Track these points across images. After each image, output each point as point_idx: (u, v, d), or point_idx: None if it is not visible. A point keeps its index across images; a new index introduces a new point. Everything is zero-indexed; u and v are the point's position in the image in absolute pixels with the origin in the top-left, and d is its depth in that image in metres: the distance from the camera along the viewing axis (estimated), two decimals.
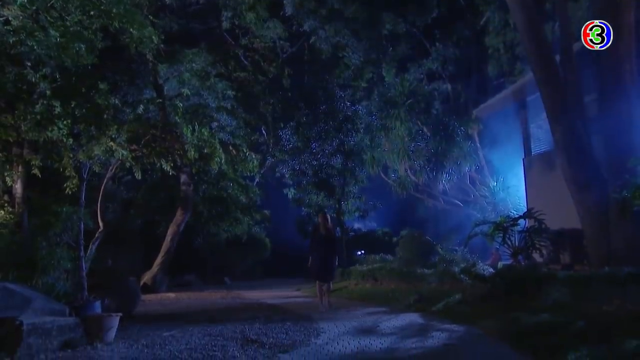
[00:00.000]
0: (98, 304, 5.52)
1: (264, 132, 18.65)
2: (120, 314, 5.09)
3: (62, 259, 5.98)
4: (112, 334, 4.85)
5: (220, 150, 9.25)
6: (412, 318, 6.67)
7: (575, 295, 6.03)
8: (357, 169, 17.36)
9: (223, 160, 9.35)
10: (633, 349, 3.62)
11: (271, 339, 5.06)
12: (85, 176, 7.26)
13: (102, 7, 7.60)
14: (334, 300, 9.48)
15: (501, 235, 8.65)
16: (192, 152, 8.87)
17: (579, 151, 7.69)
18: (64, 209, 6.66)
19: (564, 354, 3.88)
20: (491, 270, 8.11)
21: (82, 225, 6.74)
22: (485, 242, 9.66)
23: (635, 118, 7.15)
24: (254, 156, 10.44)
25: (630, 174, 6.76)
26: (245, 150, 10.41)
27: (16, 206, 8.47)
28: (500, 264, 9.31)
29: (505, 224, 8.74)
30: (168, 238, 13.10)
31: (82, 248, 6.51)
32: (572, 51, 8.55)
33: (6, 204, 8.52)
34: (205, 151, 9.34)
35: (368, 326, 6.00)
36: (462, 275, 8.57)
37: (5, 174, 8.56)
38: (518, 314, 5.81)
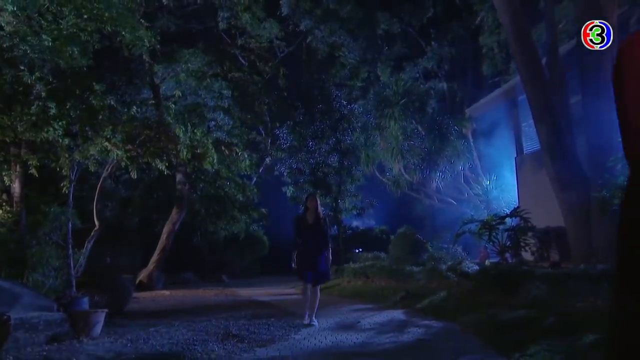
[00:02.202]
0: (86, 300, 5.72)
1: (261, 131, 18.84)
2: (106, 309, 5.28)
3: (51, 257, 6.20)
4: (98, 329, 5.04)
5: (213, 150, 9.44)
6: (395, 315, 6.83)
7: (553, 292, 6.18)
8: (353, 167, 17.53)
9: (216, 160, 9.53)
10: (590, 342, 3.77)
11: (252, 334, 5.25)
12: (73, 177, 7.45)
13: (95, 11, 7.81)
14: (325, 298, 9.68)
15: (488, 233, 8.79)
16: (185, 153, 9.08)
17: (562, 151, 7.83)
18: (52, 208, 6.88)
19: (526, 347, 4.03)
20: (476, 267, 8.26)
21: (70, 225, 6.93)
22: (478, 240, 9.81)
23: (616, 118, 7.26)
24: (246, 155, 10.63)
25: (609, 173, 6.89)
26: (238, 150, 10.60)
27: (14, 205, 8.72)
28: (487, 262, 9.45)
29: (492, 223, 8.88)
30: (164, 236, 13.32)
31: (70, 247, 6.71)
32: (557, 53, 8.68)
33: (4, 203, 8.77)
34: (198, 151, 9.55)
35: (350, 322, 6.18)
36: (448, 273, 8.74)
37: (4, 173, 8.81)
38: (496, 311, 5.98)
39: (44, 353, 4.29)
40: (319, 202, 6.38)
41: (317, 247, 5.98)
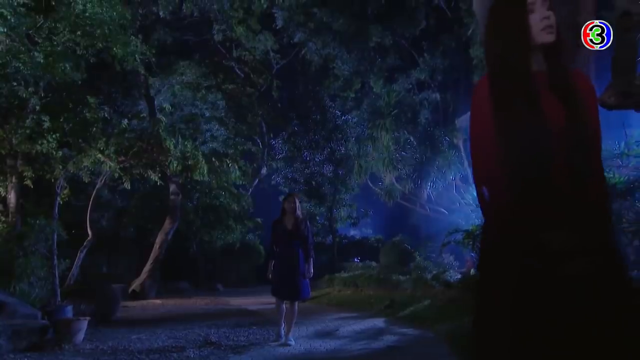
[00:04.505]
0: (70, 308, 5.90)
1: (258, 141, 19.10)
2: (88, 317, 5.47)
3: (36, 268, 6.41)
4: (80, 336, 5.22)
5: (203, 162, 9.66)
6: (376, 323, 6.98)
7: None
8: (348, 177, 17.76)
9: (206, 171, 9.75)
10: None
11: (230, 342, 5.42)
12: (58, 191, 7.70)
13: (87, 28, 8.09)
14: (313, 307, 9.84)
15: (471, 243, 8.95)
16: (175, 164, 9.31)
17: None
18: (38, 220, 7.11)
19: None
20: (458, 277, 8.41)
21: (55, 236, 7.16)
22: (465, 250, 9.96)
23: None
24: (237, 167, 10.84)
25: None
26: (228, 161, 10.82)
27: (10, 215, 8.96)
28: (472, 271, 9.58)
29: (475, 233, 9.03)
30: (156, 246, 13.50)
31: (55, 257, 6.94)
32: None
33: (0, 214, 9.02)
34: (189, 163, 9.79)
35: (329, 330, 6.34)
36: (433, 282, 8.90)
37: None
38: (472, 318, 6.14)
39: (26, 359, 4.48)
40: (297, 203, 5.50)
41: (295, 256, 5.25)
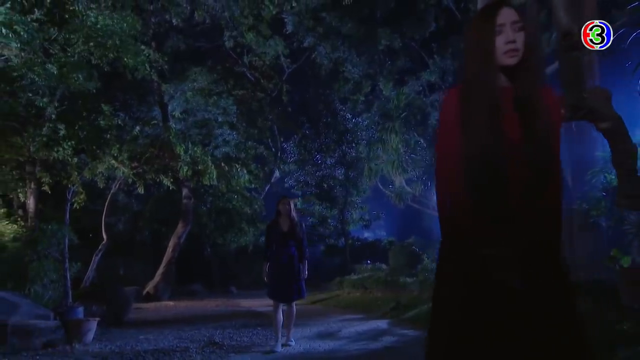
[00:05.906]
0: (81, 309, 6.17)
1: (270, 145, 19.36)
2: (98, 318, 5.72)
3: (49, 270, 6.72)
4: (90, 336, 5.47)
5: (212, 167, 9.90)
6: (379, 324, 7.08)
7: None
8: (359, 179, 17.89)
9: (215, 176, 9.98)
10: None
11: (233, 342, 5.60)
12: (69, 197, 8.02)
13: (99, 39, 8.40)
14: (320, 309, 9.98)
15: None
16: (185, 170, 9.57)
17: None
18: (50, 226, 7.42)
19: None
20: None
21: (67, 241, 7.47)
22: None
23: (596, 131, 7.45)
24: (245, 171, 11.04)
25: (589, 185, 7.08)
26: (237, 166, 11.03)
27: (29, 220, 9.35)
28: None
29: None
30: (169, 249, 13.82)
31: (67, 260, 7.24)
32: None
33: (20, 219, 9.42)
34: (199, 167, 10.04)
35: (331, 331, 6.47)
36: None
37: (19, 190, 9.48)
38: None
39: (38, 357, 4.73)
40: (292, 205, 5.51)
41: (290, 258, 5.26)
